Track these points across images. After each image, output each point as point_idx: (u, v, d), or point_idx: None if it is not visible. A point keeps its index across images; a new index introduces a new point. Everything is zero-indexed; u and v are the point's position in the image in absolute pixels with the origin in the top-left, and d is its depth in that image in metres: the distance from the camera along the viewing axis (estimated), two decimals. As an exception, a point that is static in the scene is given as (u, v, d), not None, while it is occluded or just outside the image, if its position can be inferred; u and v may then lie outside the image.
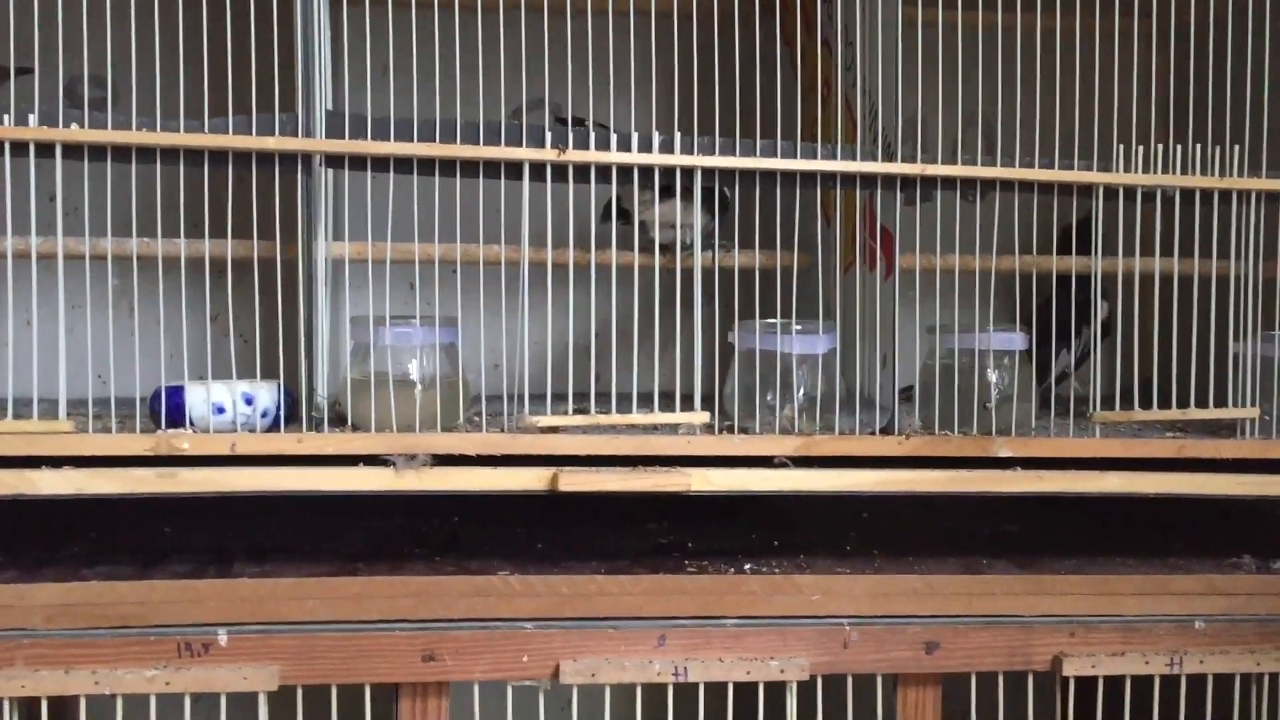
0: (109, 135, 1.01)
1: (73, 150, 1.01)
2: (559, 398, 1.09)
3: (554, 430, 1.07)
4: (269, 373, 1.09)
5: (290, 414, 1.07)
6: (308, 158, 1.06)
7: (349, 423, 1.08)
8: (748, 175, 1.11)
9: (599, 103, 1.08)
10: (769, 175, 1.11)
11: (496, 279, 1.12)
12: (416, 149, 1.06)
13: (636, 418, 1.09)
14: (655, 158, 1.09)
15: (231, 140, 1.02)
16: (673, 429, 1.10)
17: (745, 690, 1.10)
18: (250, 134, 1.03)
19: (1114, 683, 1.14)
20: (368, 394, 1.07)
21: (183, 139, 1.01)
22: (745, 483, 1.09)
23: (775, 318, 1.15)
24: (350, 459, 1.03)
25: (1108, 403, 1.17)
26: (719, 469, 1.08)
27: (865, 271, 1.20)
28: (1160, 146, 1.15)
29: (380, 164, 1.07)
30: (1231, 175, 1.16)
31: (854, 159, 1.13)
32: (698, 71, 1.08)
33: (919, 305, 1.13)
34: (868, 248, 1.20)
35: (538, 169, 1.08)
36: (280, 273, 1.13)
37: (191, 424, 1.03)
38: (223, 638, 1.02)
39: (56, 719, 1.09)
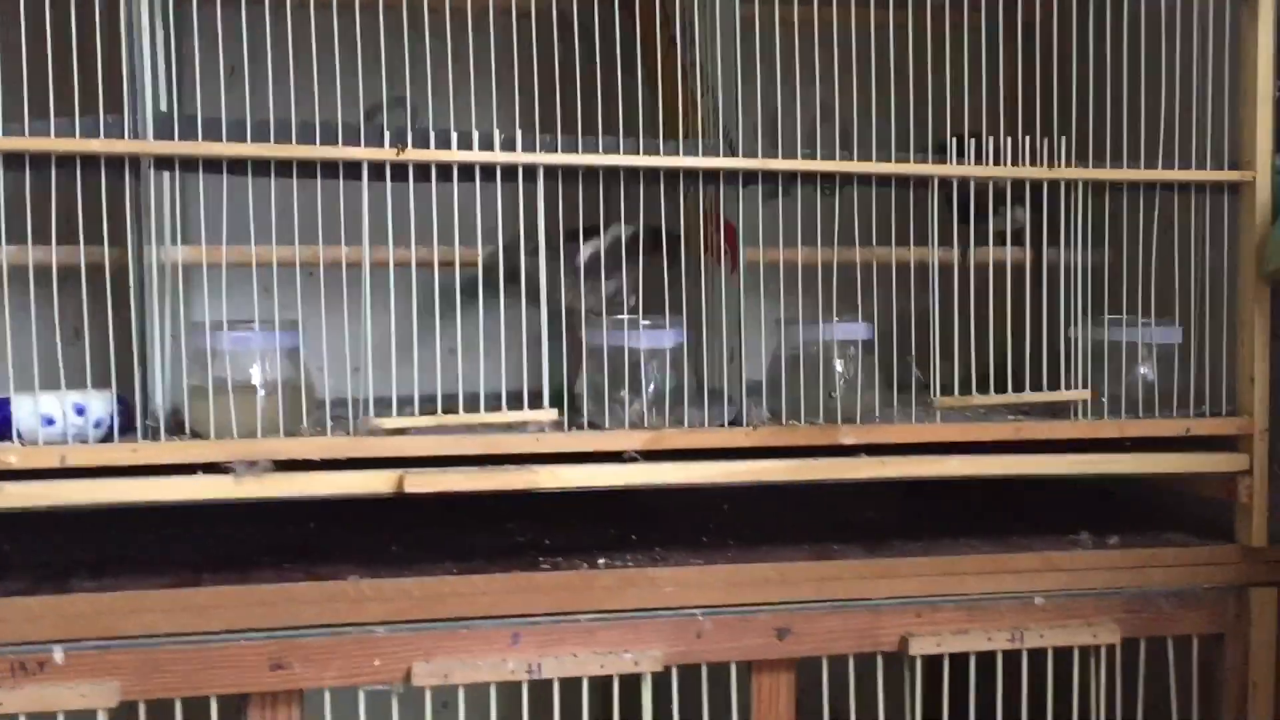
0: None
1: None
2: (406, 400, 1.09)
3: (400, 432, 1.06)
4: (105, 382, 1.06)
5: (126, 424, 1.04)
6: (135, 160, 1.03)
7: (188, 431, 1.06)
8: (590, 172, 1.12)
9: (457, 103, 1.07)
10: (611, 171, 1.12)
11: (339, 281, 1.11)
12: (251, 149, 1.04)
13: (484, 417, 1.09)
14: (497, 156, 1.08)
15: (54, 143, 0.99)
16: (522, 427, 1.10)
17: (600, 685, 1.10)
18: (74, 136, 1.00)
19: (959, 660, 1.17)
20: (206, 400, 1.05)
21: (1, 142, 0.98)
22: (594, 478, 1.09)
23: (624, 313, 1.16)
24: (188, 468, 1.01)
25: (948, 389, 1.20)
26: (568, 465, 1.09)
27: (712, 265, 1.21)
28: (991, 139, 1.18)
29: (213, 166, 1.04)
30: (1059, 165, 1.20)
31: (696, 154, 1.14)
32: (555, 69, 1.09)
33: (763, 298, 1.15)
34: (713, 242, 1.21)
35: (377, 169, 1.07)
36: (115, 279, 1.10)
37: (20, 436, 1.00)
38: (58, 655, 0.99)
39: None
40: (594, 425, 1.14)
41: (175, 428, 1.07)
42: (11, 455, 0.98)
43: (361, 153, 1.05)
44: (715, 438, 1.13)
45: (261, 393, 1.06)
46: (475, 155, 1.08)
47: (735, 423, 1.15)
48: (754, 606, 1.13)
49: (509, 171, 1.10)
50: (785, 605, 1.14)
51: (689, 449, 1.12)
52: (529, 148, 1.09)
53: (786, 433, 1.15)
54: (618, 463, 1.10)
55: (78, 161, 1.01)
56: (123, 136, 1.02)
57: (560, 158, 1.10)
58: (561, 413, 1.11)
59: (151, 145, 1.02)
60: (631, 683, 1.11)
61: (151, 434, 1.03)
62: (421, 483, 1.03)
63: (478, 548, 1.18)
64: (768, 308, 1.17)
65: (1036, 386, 1.22)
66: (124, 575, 1.06)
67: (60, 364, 1.02)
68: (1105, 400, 1.24)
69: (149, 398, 1.04)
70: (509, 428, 1.10)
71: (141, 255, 1.05)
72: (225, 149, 1.03)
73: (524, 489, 1.06)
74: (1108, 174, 1.21)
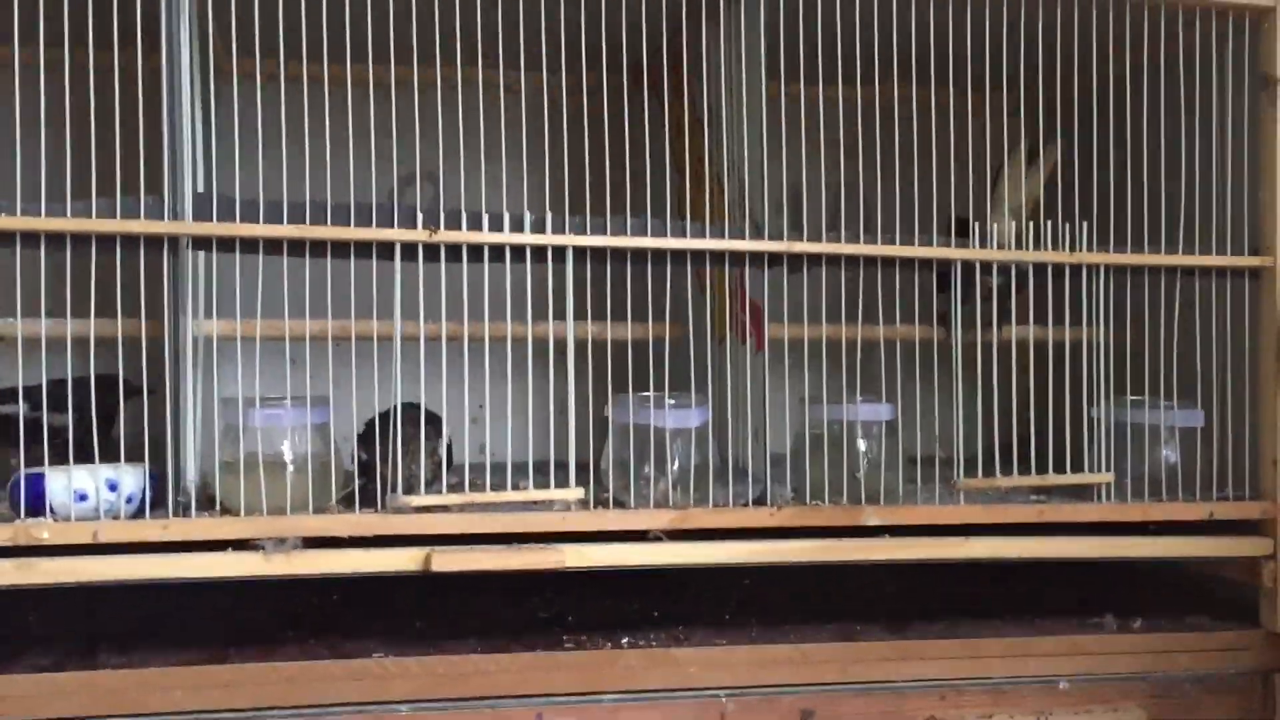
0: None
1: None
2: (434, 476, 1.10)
3: (428, 510, 1.07)
4: (136, 456, 1.07)
5: (157, 498, 1.05)
6: (175, 240, 1.05)
7: (218, 506, 1.07)
8: (619, 253, 1.13)
9: (483, 182, 1.10)
10: (639, 253, 1.13)
11: (370, 355, 1.12)
12: (287, 231, 1.05)
13: (511, 495, 1.10)
14: (527, 238, 1.10)
15: (95, 224, 1.01)
16: (548, 505, 1.11)
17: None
18: (114, 217, 1.02)
19: (983, 744, 1.17)
20: (237, 476, 1.06)
21: (44, 223, 1.00)
22: (620, 557, 1.10)
23: (650, 390, 1.17)
24: (219, 544, 1.02)
25: (971, 467, 1.20)
26: (594, 545, 1.09)
27: (737, 344, 1.23)
28: (1014, 224, 1.20)
29: (249, 245, 1.06)
30: (1081, 250, 1.21)
31: (723, 236, 1.15)
32: (586, 150, 1.11)
33: (788, 375, 1.16)
34: (739, 320, 1.23)
35: (409, 249, 1.09)
36: (147, 352, 1.11)
37: (53, 512, 1.01)
38: (88, 732, 0.99)
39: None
40: (620, 504, 1.14)
41: (205, 502, 1.08)
42: (45, 531, 0.98)
43: (395, 234, 1.07)
44: (740, 517, 1.14)
45: (291, 468, 1.07)
46: (506, 237, 1.10)
47: (760, 501, 1.16)
48: (778, 688, 1.13)
49: (538, 252, 1.11)
50: (809, 687, 1.14)
51: (714, 529, 1.13)
52: (558, 229, 1.11)
53: (810, 513, 1.15)
54: (644, 542, 1.11)
55: (118, 241, 1.03)
56: (162, 217, 1.04)
57: (589, 239, 1.11)
58: (588, 490, 1.12)
59: (190, 226, 1.04)
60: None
61: (182, 510, 1.03)
62: (450, 561, 1.04)
63: (502, 624, 1.18)
64: (791, 385, 1.18)
65: (1060, 468, 1.22)
66: (153, 650, 1.06)
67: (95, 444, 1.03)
68: (1129, 482, 1.24)
69: (180, 472, 1.05)
70: (535, 505, 1.10)
71: (177, 329, 1.06)
72: (263, 230, 1.05)
73: (550, 569, 1.06)
74: (1129, 259, 1.22)
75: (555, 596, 1.29)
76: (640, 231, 1.13)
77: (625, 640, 1.14)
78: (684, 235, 1.14)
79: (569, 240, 1.11)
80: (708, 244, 1.15)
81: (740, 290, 1.22)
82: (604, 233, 1.12)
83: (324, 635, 1.13)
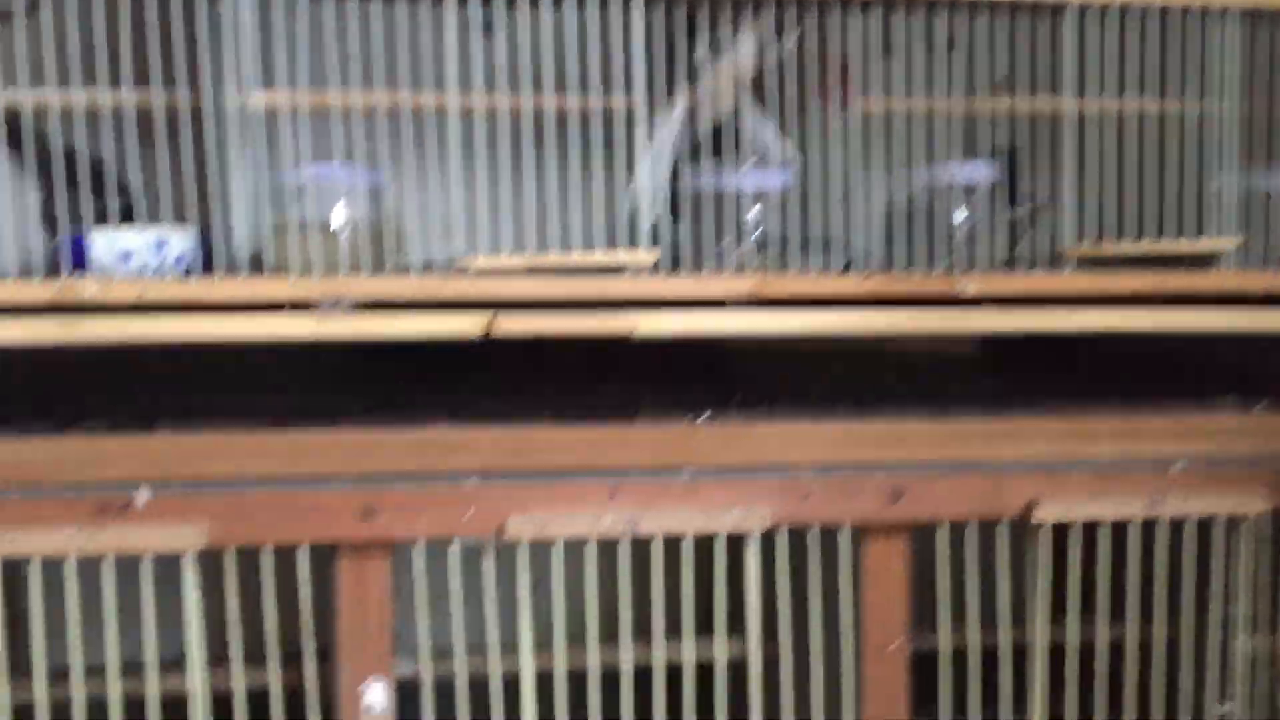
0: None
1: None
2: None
3: (491, 273, 1.00)
4: (184, 217, 1.02)
5: (206, 261, 1.00)
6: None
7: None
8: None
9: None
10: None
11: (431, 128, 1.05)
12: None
13: (579, 258, 1.02)
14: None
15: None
16: (619, 271, 1.04)
17: (702, 549, 1.04)
18: None
19: (1088, 530, 1.09)
20: (288, 238, 1.00)
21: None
22: (696, 326, 1.03)
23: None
24: (270, 306, 0.97)
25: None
26: (668, 311, 1.02)
27: (825, 105, 1.13)
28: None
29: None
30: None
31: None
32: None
33: (882, 147, 1.06)
34: (826, 80, 1.12)
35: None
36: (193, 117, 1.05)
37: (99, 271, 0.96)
38: (143, 496, 0.96)
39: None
40: (695, 269, 1.06)
41: (255, 266, 1.02)
42: (89, 287, 0.94)
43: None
44: (825, 285, 1.05)
45: (345, 231, 1.01)
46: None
47: (847, 271, 1.07)
48: (866, 467, 1.06)
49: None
50: (900, 466, 1.06)
51: (797, 297, 1.04)
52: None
53: (902, 281, 1.07)
54: (721, 310, 1.03)
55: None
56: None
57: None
58: (661, 256, 1.04)
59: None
60: (735, 544, 1.05)
61: (232, 271, 0.98)
62: (514, 325, 0.97)
63: (570, 402, 1.12)
64: (883, 152, 1.08)
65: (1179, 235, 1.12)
66: (207, 421, 1.02)
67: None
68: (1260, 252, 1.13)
69: (229, 235, 0.99)
70: (605, 271, 1.03)
71: (222, 84, 1.00)
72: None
73: (621, 334, 0.99)
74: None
75: (625, 381, 1.22)
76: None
77: (705, 415, 1.07)
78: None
79: (637, -19, 1.01)
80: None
81: (825, 49, 1.12)
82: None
83: (386, 410, 1.08)
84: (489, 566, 1.01)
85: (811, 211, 1.11)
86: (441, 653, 1.02)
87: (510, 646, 1.01)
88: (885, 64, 1.08)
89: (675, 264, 1.09)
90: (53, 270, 0.98)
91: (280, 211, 1.02)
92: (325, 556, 1.00)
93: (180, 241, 0.98)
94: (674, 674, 1.04)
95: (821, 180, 1.12)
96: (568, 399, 1.10)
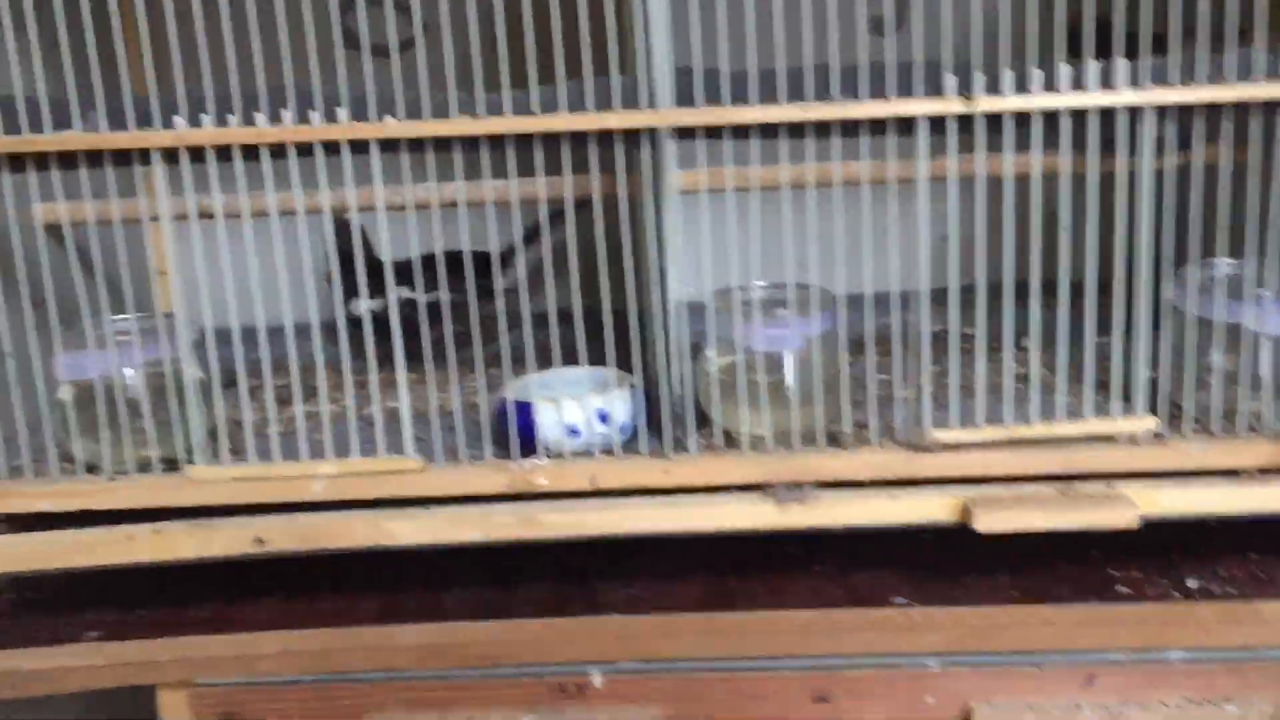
0: (428, 127, 0.86)
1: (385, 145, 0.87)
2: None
3: (959, 447, 0.89)
4: (599, 362, 0.95)
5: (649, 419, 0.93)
6: (654, 133, 0.87)
7: (709, 426, 0.93)
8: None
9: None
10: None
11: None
12: (785, 113, 0.85)
13: (1063, 428, 0.89)
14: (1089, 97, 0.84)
15: (553, 121, 0.85)
16: (1109, 440, 0.89)
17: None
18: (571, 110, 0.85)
19: None
20: (734, 397, 0.91)
21: (502, 124, 0.85)
22: (1202, 505, 0.88)
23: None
24: (724, 488, 0.89)
25: None
26: (1166, 486, 0.88)
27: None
28: None
29: (740, 133, 0.87)
30: None
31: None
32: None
33: None
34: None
35: (936, 124, 0.86)
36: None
37: (546, 450, 0.91)
38: (597, 678, 0.93)
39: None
40: (1201, 430, 0.91)
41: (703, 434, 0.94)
42: (542, 476, 0.89)
43: (919, 106, 0.84)
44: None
45: (795, 395, 0.91)
46: (1063, 99, 0.84)
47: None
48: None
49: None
50: None
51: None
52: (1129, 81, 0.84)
53: None
54: (1232, 483, 0.88)
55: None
56: (637, 105, 0.86)
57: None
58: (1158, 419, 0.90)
59: (671, 114, 0.86)
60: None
61: (677, 444, 0.91)
62: (994, 521, 0.86)
63: (1037, 579, 0.99)
64: None
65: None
66: (650, 583, 0.97)
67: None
68: None
69: (665, 393, 0.91)
70: (1094, 440, 0.89)
71: (660, 224, 0.90)
72: (757, 114, 0.85)
73: (1119, 527, 0.86)
74: None
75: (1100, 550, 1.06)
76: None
77: (1192, 584, 0.94)
78: None
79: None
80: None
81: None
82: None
83: (831, 569, 0.99)
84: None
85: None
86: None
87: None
88: None
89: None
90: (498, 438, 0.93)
91: (724, 366, 0.93)
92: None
93: (622, 408, 0.92)
94: None
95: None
96: (1035, 576, 0.98)
